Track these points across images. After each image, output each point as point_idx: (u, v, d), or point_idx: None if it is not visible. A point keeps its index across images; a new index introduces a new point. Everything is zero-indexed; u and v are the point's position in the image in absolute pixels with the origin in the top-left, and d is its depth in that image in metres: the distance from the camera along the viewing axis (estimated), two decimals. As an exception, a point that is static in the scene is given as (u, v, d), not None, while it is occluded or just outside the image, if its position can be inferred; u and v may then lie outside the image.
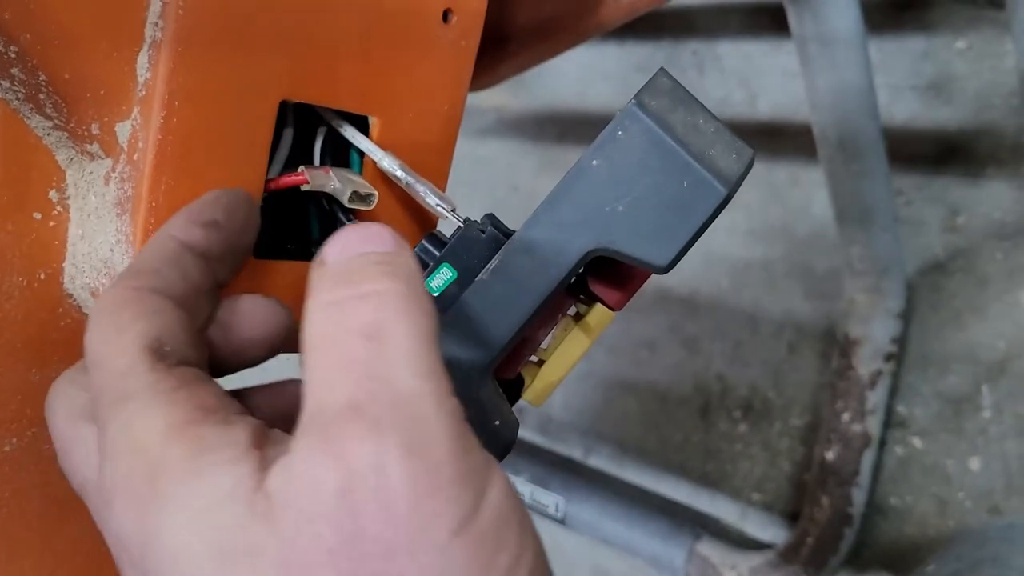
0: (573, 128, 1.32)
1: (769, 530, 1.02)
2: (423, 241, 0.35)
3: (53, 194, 0.33)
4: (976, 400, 0.89)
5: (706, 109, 0.32)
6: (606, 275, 0.34)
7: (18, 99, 0.31)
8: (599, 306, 0.34)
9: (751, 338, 1.07)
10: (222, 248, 0.30)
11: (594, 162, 0.30)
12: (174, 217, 0.30)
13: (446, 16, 0.39)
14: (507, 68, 0.52)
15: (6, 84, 0.31)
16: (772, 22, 1.11)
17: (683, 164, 0.30)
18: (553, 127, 1.34)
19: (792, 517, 1.01)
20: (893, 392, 0.94)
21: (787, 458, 1.02)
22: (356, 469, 0.21)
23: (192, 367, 0.27)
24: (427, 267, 0.34)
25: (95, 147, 0.33)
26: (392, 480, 0.21)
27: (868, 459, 0.91)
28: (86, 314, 0.35)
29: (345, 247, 0.25)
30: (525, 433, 1.26)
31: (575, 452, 1.21)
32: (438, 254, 0.34)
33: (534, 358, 0.36)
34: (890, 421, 0.94)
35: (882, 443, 0.93)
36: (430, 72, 0.39)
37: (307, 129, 0.38)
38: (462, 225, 0.34)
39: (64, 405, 0.28)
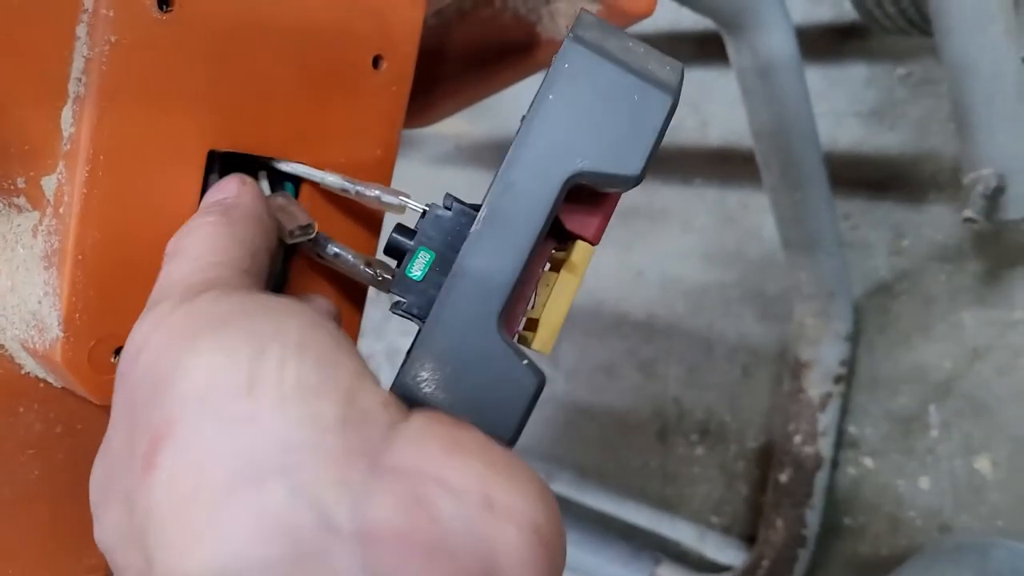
0: (530, 155, 1.32)
1: (728, 552, 1.03)
2: (393, 234, 0.36)
3: (-19, 246, 0.34)
4: (924, 419, 0.91)
5: (630, 35, 0.35)
6: (578, 210, 0.35)
7: (-58, 154, 0.32)
8: (579, 243, 0.35)
9: (706, 361, 1.08)
10: None
11: (550, 96, 0.32)
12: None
13: (376, 62, 0.39)
14: (443, 107, 0.52)
15: (-71, 140, 0.31)
16: (722, 50, 1.13)
17: (629, 81, 0.32)
18: (510, 154, 1.35)
19: (750, 539, 1.02)
20: (844, 413, 0.95)
21: (744, 480, 1.03)
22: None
23: None
24: (403, 258, 0.35)
25: (22, 200, 0.33)
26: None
27: (821, 480, 0.92)
28: (19, 364, 0.35)
29: (206, 198, 0.34)
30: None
31: (536, 478, 1.21)
32: (411, 242, 0.35)
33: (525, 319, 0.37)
34: (841, 442, 0.95)
35: (834, 464, 0.94)
36: (361, 118, 0.39)
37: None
38: (427, 209, 0.35)
39: None
